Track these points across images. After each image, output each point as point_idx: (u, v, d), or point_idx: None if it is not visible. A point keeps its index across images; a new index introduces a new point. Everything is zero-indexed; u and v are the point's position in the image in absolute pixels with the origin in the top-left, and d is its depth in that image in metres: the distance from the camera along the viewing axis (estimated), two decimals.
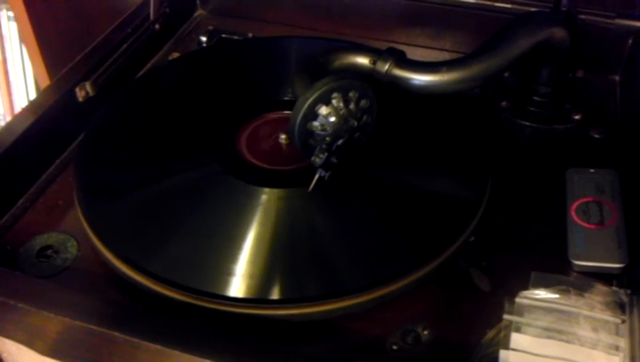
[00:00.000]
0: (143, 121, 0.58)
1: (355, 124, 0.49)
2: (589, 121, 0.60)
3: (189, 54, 0.69)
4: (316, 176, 0.48)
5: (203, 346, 0.38)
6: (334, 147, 0.49)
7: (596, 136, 0.59)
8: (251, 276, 0.44)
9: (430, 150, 0.54)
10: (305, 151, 0.49)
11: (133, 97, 0.61)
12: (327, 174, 0.48)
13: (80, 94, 0.60)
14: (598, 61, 0.65)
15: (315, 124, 0.48)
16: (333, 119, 0.48)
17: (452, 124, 0.57)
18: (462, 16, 0.69)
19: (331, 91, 0.48)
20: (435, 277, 0.47)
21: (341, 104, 0.48)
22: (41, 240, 0.50)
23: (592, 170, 0.54)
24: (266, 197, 0.49)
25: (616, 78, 0.66)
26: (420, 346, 0.42)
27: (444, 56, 0.68)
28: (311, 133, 0.49)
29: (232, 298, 0.43)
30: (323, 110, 0.48)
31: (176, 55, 0.70)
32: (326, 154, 0.48)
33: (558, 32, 0.55)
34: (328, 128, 0.48)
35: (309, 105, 0.47)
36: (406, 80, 0.52)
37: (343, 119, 0.48)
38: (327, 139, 0.49)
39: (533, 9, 0.64)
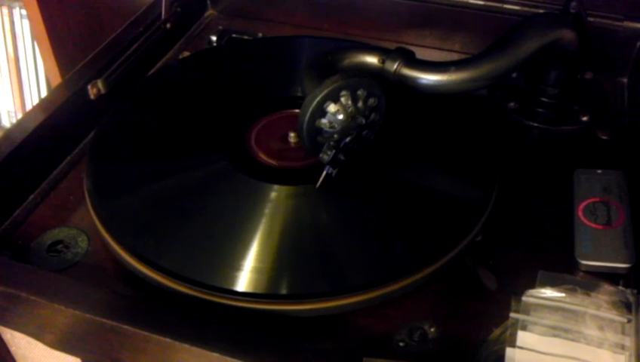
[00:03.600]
0: (153, 119, 0.58)
1: (363, 121, 0.49)
2: (597, 123, 0.60)
3: (199, 53, 0.69)
4: (324, 173, 0.48)
5: (212, 340, 0.38)
6: (342, 144, 0.49)
7: (604, 137, 0.59)
8: (260, 271, 0.44)
9: (438, 149, 0.54)
10: (313, 148, 0.49)
11: (144, 95, 0.61)
12: (335, 171, 0.48)
13: (92, 92, 0.60)
14: (607, 63, 0.65)
15: (324, 121, 0.48)
16: (341, 117, 0.48)
17: (460, 124, 0.57)
18: (471, 18, 0.69)
19: (340, 89, 0.48)
20: (442, 275, 0.47)
21: (349, 102, 0.48)
22: (52, 235, 0.51)
23: (599, 171, 0.54)
24: (275, 193, 0.49)
25: (624, 80, 0.66)
26: (426, 343, 0.43)
27: (453, 57, 0.67)
28: (319, 131, 0.49)
29: (241, 293, 0.43)
30: (331, 107, 0.48)
31: (186, 54, 0.71)
32: (334, 151, 0.48)
33: (567, 34, 0.55)
34: (336, 125, 0.48)
35: (318, 103, 0.48)
36: (414, 79, 0.52)
37: (351, 117, 0.48)
38: (335, 136, 0.49)
39: (541, 11, 0.64)
